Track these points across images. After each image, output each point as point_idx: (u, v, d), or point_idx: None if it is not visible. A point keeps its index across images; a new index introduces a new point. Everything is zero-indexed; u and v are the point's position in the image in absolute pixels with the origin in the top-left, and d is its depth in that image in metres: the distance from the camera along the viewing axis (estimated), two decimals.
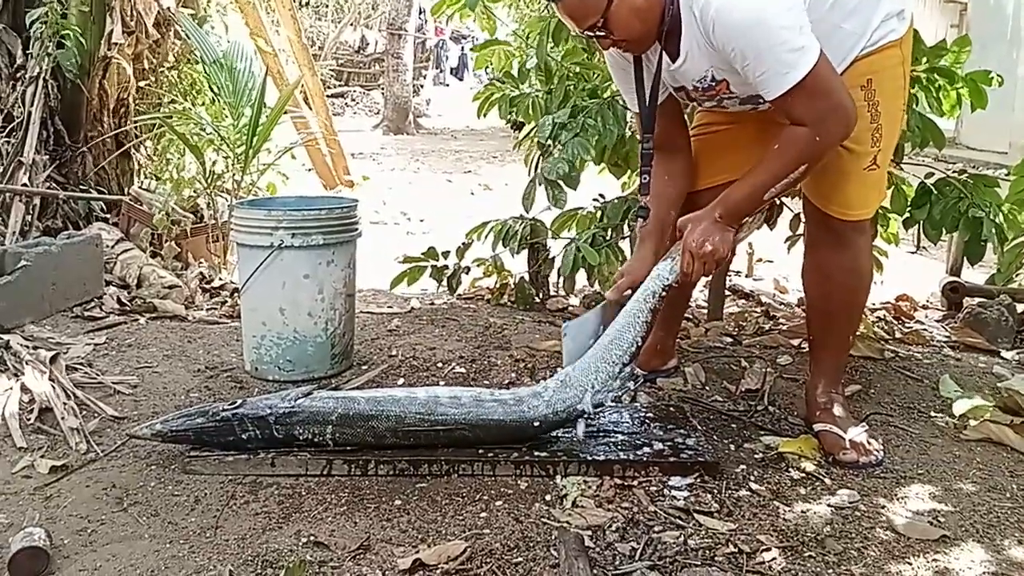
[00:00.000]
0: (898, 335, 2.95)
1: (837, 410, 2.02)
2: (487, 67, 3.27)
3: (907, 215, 2.73)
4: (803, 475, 1.87)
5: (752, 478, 1.86)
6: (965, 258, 2.77)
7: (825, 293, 2.03)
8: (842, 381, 2.11)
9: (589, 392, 1.89)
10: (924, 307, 3.43)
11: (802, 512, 1.72)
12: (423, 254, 3.20)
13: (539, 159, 2.99)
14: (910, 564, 1.55)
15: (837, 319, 2.05)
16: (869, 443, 1.95)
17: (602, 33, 1.80)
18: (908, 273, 3.87)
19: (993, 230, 2.60)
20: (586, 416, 1.89)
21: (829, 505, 1.75)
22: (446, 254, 3.19)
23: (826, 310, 2.05)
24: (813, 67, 1.68)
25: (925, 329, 3.09)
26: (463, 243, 3.18)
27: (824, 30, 1.77)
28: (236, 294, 2.99)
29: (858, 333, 2.78)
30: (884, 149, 1.91)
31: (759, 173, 1.80)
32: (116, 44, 3.80)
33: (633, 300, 1.95)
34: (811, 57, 1.68)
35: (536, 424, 1.89)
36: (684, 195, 2.08)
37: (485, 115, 3.13)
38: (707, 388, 2.37)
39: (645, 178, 2.02)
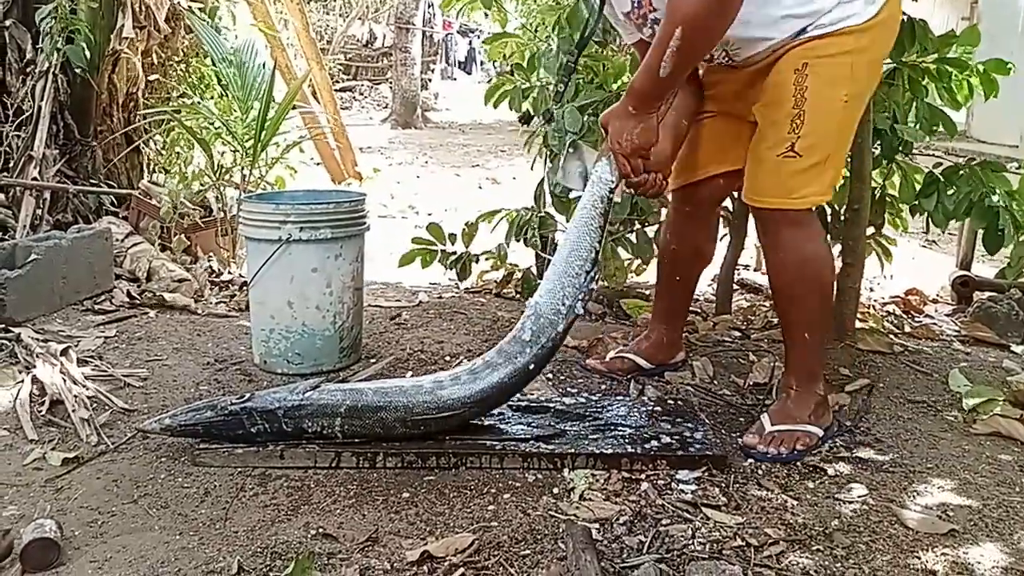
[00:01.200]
0: (907, 329, 2.94)
1: (788, 404, 1.99)
2: (499, 60, 3.26)
3: (915, 203, 2.71)
4: (811, 469, 1.87)
5: (760, 472, 1.86)
6: (984, 249, 2.73)
7: (773, 286, 2.04)
8: (812, 379, 2.01)
9: (563, 314, 1.89)
10: (934, 301, 3.41)
11: (810, 506, 1.72)
12: (427, 228, 3.18)
13: (547, 158, 2.99)
14: (919, 558, 1.54)
15: (784, 315, 2.02)
16: (791, 443, 1.91)
17: None
18: (918, 267, 3.85)
19: (1009, 219, 2.58)
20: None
21: (837, 499, 1.75)
22: (452, 237, 3.18)
23: (777, 306, 2.07)
24: None
25: (935, 323, 3.07)
26: (467, 223, 3.16)
27: None
28: (245, 288, 2.99)
29: (867, 327, 2.78)
30: (807, 137, 1.84)
31: (648, 53, 1.79)
32: (127, 39, 3.81)
33: (581, 208, 1.96)
34: None
35: (531, 367, 1.90)
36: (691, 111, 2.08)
37: (496, 106, 3.12)
38: (715, 382, 2.37)
39: (561, 87, 2.11)
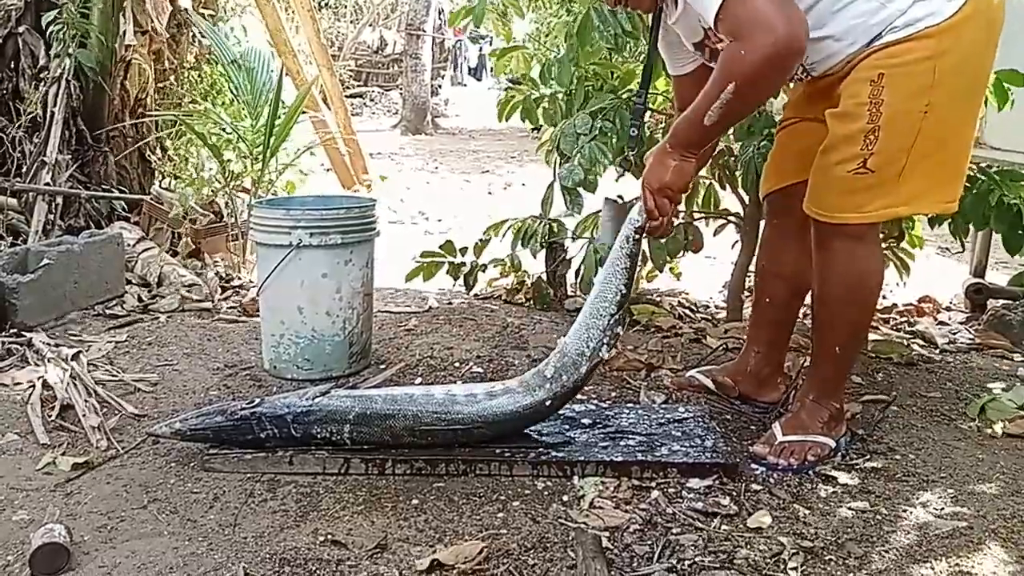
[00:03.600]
0: (920, 337, 2.92)
1: (802, 415, 1.96)
2: (506, 73, 3.26)
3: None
4: (823, 478, 1.86)
5: (772, 481, 1.84)
6: (1004, 250, 2.68)
7: (816, 296, 1.95)
8: (831, 393, 1.96)
9: (586, 356, 1.88)
10: (947, 308, 3.39)
11: (822, 515, 1.70)
12: (440, 247, 3.19)
13: (557, 163, 2.98)
14: (932, 568, 1.53)
15: (820, 326, 1.95)
16: (802, 453, 1.88)
17: (627, 7, 1.88)
18: (931, 274, 3.82)
19: None
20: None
21: (850, 508, 1.73)
22: (463, 251, 3.18)
23: (815, 315, 1.97)
24: None
25: (953, 331, 3.05)
26: (480, 239, 3.18)
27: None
28: (255, 293, 3.00)
29: (881, 334, 2.77)
30: (881, 154, 1.74)
31: (698, 99, 1.74)
32: (130, 45, 3.83)
33: (612, 250, 1.93)
34: None
35: (548, 403, 1.89)
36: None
37: (508, 119, 3.13)
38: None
39: (634, 132, 2.01)
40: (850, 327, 1.92)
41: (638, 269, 3.03)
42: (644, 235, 1.93)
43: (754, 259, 2.92)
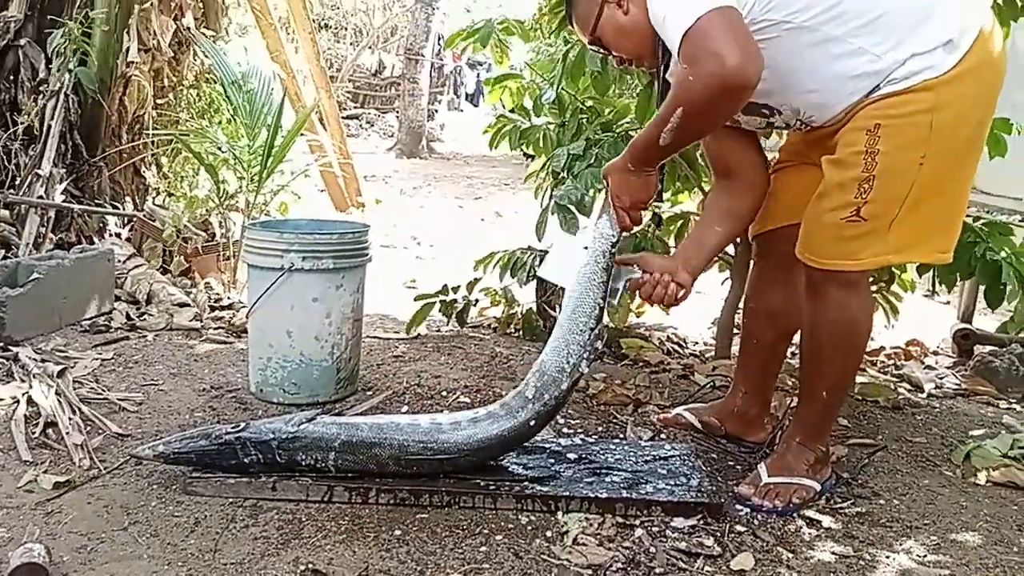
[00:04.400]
0: (907, 381, 2.94)
1: (784, 457, 1.97)
2: (498, 103, 3.27)
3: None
4: (807, 520, 1.85)
5: (756, 522, 1.84)
6: (984, 303, 2.72)
7: (804, 341, 1.96)
8: (817, 435, 1.96)
9: (567, 372, 1.88)
10: (935, 353, 3.41)
11: (805, 558, 1.70)
12: (436, 292, 3.18)
13: (550, 190, 3.00)
14: None
15: (808, 370, 1.96)
16: (787, 496, 1.89)
17: (601, 49, 1.92)
18: (919, 318, 3.85)
19: (1012, 274, 2.57)
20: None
21: (833, 552, 1.73)
22: (456, 288, 3.19)
23: (803, 358, 1.97)
24: (700, 17, 1.59)
25: (939, 376, 3.06)
26: (473, 279, 3.18)
27: (820, 45, 1.73)
28: (244, 315, 3.00)
29: (868, 378, 2.78)
30: (874, 203, 1.75)
31: (654, 118, 1.77)
32: (133, 62, 3.85)
33: (584, 265, 1.94)
34: (701, 7, 1.59)
35: (532, 424, 1.89)
36: (737, 215, 2.03)
37: (496, 147, 3.15)
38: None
39: (660, 185, 2.01)
40: (838, 372, 1.93)
41: (628, 304, 3.05)
42: (653, 303, 1.95)
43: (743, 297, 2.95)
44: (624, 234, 1.95)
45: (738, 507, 1.90)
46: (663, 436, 2.27)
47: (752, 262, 2.24)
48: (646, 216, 2.04)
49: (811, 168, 1.93)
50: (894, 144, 1.73)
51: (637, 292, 1.96)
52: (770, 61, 1.74)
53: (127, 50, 3.83)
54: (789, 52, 1.76)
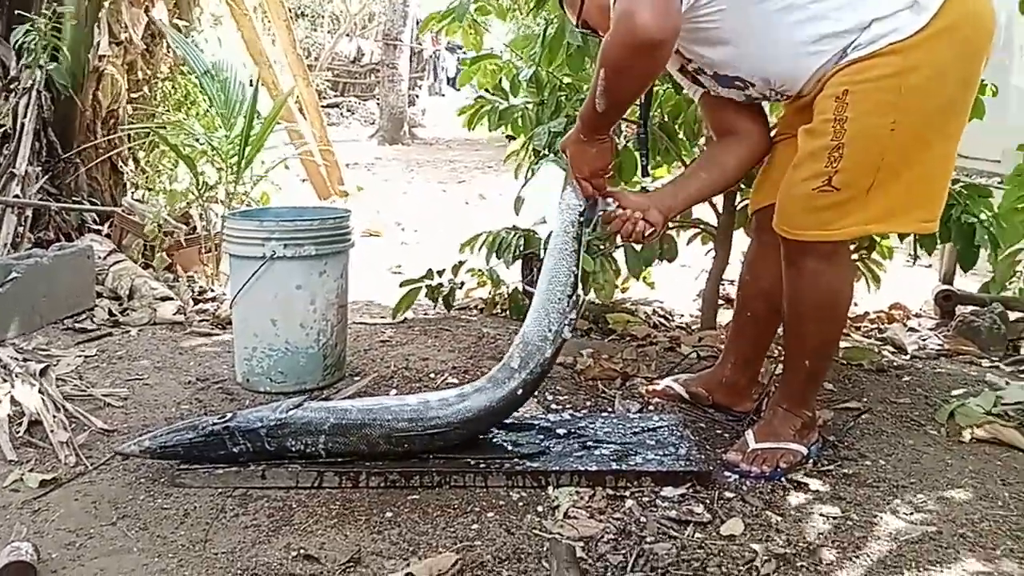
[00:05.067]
0: (891, 343, 2.96)
1: (769, 423, 1.98)
2: (471, 83, 3.24)
3: None
4: (795, 484, 1.87)
5: (744, 488, 1.85)
6: (958, 265, 2.75)
7: (786, 312, 1.95)
8: (803, 401, 1.97)
9: (550, 340, 1.91)
10: (917, 315, 3.43)
11: (795, 521, 1.72)
12: (421, 277, 3.17)
13: (530, 169, 2.99)
14: (902, 573, 1.54)
15: (790, 340, 1.97)
16: (774, 461, 1.89)
17: (590, 31, 1.94)
18: (901, 281, 3.87)
19: (987, 236, 2.59)
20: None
21: (822, 515, 1.74)
22: (441, 272, 3.18)
23: (786, 328, 1.98)
24: None
25: (922, 338, 3.08)
26: (458, 261, 3.17)
27: (778, 13, 1.71)
28: (228, 305, 2.98)
29: (851, 342, 2.79)
30: (845, 172, 1.73)
31: (590, 87, 1.79)
32: (104, 56, 3.80)
33: (555, 235, 1.97)
34: None
35: (520, 392, 1.91)
36: (725, 166, 2.01)
37: (473, 128, 3.13)
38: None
39: (643, 161, 2.05)
40: (820, 341, 1.93)
41: (614, 279, 3.05)
42: (624, 239, 1.96)
43: (727, 269, 2.96)
44: (589, 201, 1.96)
45: (727, 474, 1.91)
46: (651, 408, 2.28)
47: (751, 236, 2.24)
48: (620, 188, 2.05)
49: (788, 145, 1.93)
50: (862, 110, 1.71)
51: (608, 226, 1.97)
52: (728, 32, 1.75)
53: (98, 44, 3.78)
54: (746, 21, 1.75)
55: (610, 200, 1.95)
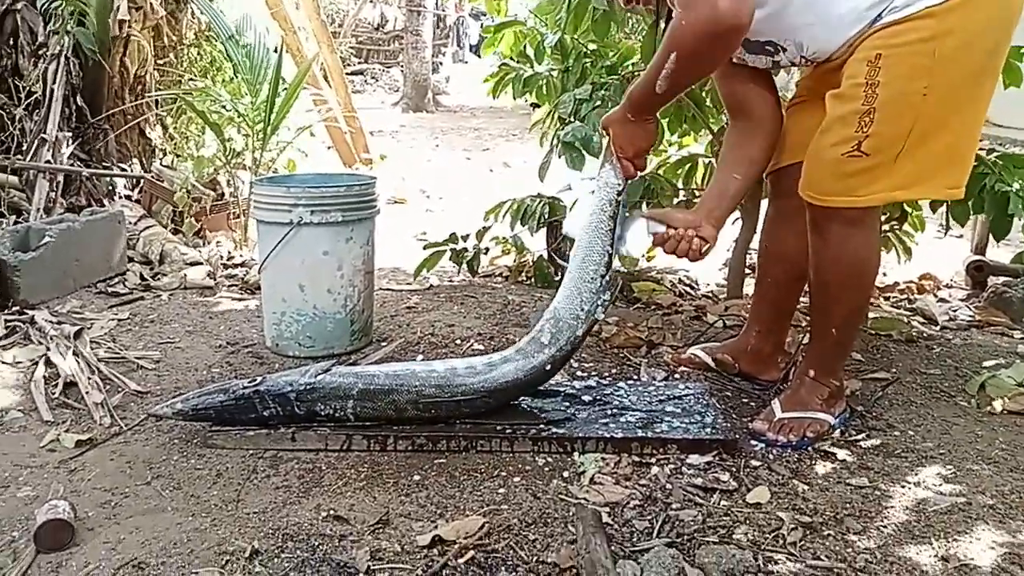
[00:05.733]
0: (921, 314, 2.92)
1: (801, 391, 1.97)
2: (494, 51, 3.20)
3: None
4: (822, 454, 1.87)
5: (771, 456, 1.85)
6: (991, 235, 2.70)
7: (812, 280, 1.94)
8: (830, 371, 1.97)
9: (581, 319, 1.91)
10: (948, 286, 3.39)
11: (821, 490, 1.71)
12: (445, 240, 3.18)
13: (555, 136, 2.97)
14: (930, 543, 1.54)
15: (817, 309, 1.96)
16: (801, 430, 1.90)
17: (634, 3, 1.92)
18: (932, 251, 3.82)
19: (1021, 206, 2.54)
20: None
21: (848, 484, 1.74)
22: (465, 237, 3.18)
23: (812, 297, 1.97)
24: None
25: (953, 309, 3.04)
26: (483, 227, 3.17)
27: None
28: (256, 271, 3.01)
29: (881, 312, 2.77)
30: (875, 137, 1.71)
31: (649, 67, 1.76)
32: (124, 20, 3.80)
33: (590, 213, 1.96)
34: None
35: (548, 367, 1.91)
36: (754, 159, 2.00)
37: (497, 96, 3.11)
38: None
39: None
40: (847, 309, 1.91)
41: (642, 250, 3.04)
42: (680, 256, 1.94)
43: (755, 238, 2.93)
44: (629, 181, 1.96)
45: (753, 443, 1.91)
46: (677, 376, 2.27)
47: (767, 201, 2.22)
48: (651, 163, 2.04)
49: (822, 104, 1.87)
50: (895, 74, 1.68)
51: (662, 247, 1.95)
52: None
53: (118, 8, 3.78)
54: None
55: (659, 224, 1.93)
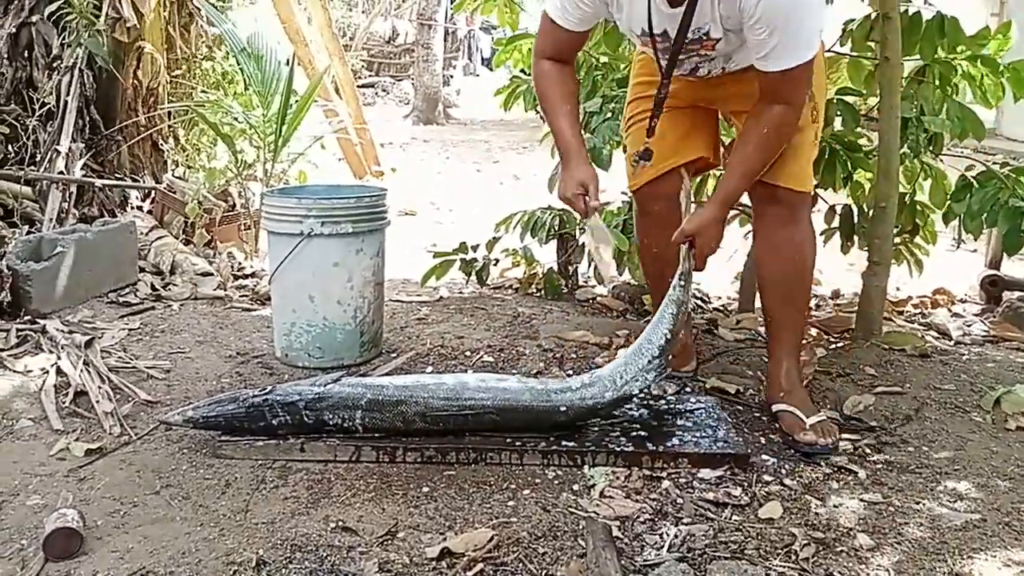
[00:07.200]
0: (935, 329, 2.90)
1: (800, 394, 2.05)
2: (505, 64, 3.20)
3: (946, 209, 2.66)
4: (835, 469, 1.85)
5: (783, 471, 1.84)
6: (1003, 250, 2.69)
7: (780, 269, 2.07)
8: (799, 353, 2.13)
9: (616, 386, 1.91)
10: (962, 301, 3.36)
11: (834, 506, 1.70)
12: (455, 250, 3.18)
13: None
14: (944, 560, 1.52)
15: (793, 293, 2.08)
16: (829, 428, 1.96)
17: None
18: (945, 266, 3.79)
19: None
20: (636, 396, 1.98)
21: (861, 500, 1.72)
22: (475, 247, 3.18)
23: (782, 286, 2.08)
24: (815, 54, 1.79)
25: (967, 323, 3.02)
26: (493, 237, 3.17)
27: None
28: (267, 281, 3.01)
29: (894, 327, 2.75)
30: (821, 126, 2.07)
31: (750, 161, 1.88)
32: (130, 28, 3.80)
33: (666, 303, 1.99)
34: (818, 43, 1.81)
35: (563, 409, 1.89)
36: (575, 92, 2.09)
37: (509, 108, 3.12)
38: (738, 380, 2.34)
39: (654, 122, 2.05)
40: (810, 285, 2.16)
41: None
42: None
43: None
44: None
45: (813, 456, 1.90)
46: (688, 390, 2.26)
47: (638, 213, 2.30)
48: None
49: (696, 110, 2.12)
50: (815, 71, 1.92)
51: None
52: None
53: (124, 20, 3.79)
54: None
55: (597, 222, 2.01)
